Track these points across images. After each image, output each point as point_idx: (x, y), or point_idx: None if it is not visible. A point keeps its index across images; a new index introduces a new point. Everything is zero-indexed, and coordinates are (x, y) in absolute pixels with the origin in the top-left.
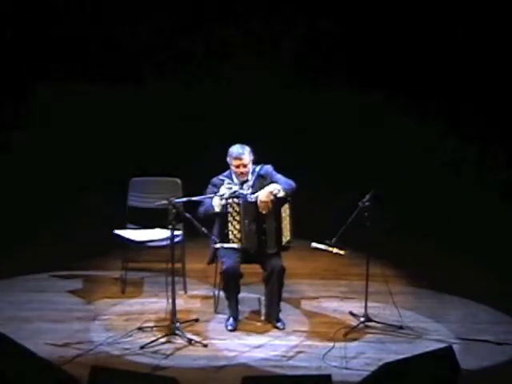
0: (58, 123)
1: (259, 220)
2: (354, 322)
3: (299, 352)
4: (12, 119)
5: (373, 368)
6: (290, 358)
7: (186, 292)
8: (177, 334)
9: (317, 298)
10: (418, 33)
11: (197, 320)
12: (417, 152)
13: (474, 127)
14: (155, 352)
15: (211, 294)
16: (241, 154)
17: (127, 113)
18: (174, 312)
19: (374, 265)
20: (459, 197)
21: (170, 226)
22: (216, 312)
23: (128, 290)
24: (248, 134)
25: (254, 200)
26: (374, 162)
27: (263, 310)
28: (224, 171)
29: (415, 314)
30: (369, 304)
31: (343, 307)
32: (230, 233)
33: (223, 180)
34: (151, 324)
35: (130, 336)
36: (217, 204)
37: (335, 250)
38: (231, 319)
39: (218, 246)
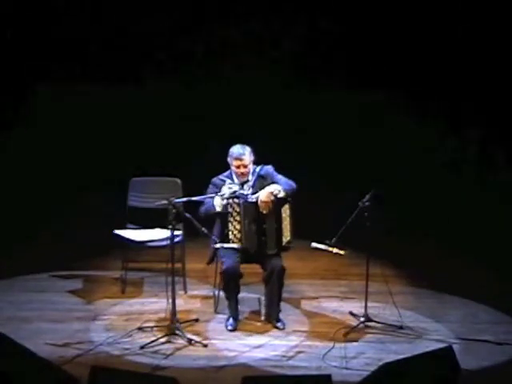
0: (58, 123)
1: (259, 220)
2: (354, 321)
3: (299, 352)
4: (12, 119)
5: (373, 368)
6: (290, 358)
7: (186, 292)
8: (177, 334)
9: (317, 298)
10: (417, 33)
11: (197, 320)
12: (417, 152)
13: (474, 127)
14: (155, 352)
15: (211, 294)
16: (241, 154)
17: (127, 113)
18: (174, 312)
19: (374, 265)
20: (459, 197)
21: (170, 226)
22: (216, 312)
23: (128, 290)
24: (248, 134)
25: (254, 200)
26: (374, 162)
27: (263, 310)
28: (224, 171)
29: (415, 314)
30: (369, 304)
31: (343, 307)
32: (230, 233)
33: (224, 180)
34: (151, 324)
35: (130, 336)
36: (218, 204)
37: (335, 250)
38: (231, 319)
39: (218, 245)
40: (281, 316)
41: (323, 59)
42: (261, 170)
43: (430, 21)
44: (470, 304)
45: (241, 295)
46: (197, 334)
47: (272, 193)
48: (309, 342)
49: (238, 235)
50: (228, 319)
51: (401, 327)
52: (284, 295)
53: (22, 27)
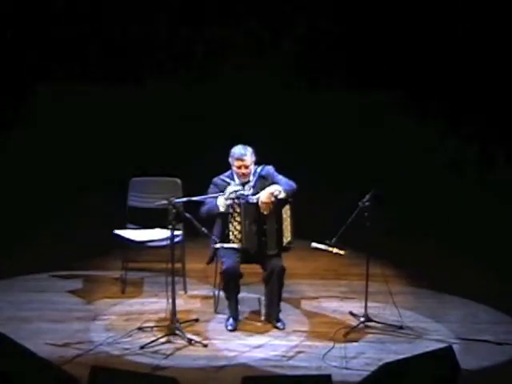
0: (58, 123)
1: (260, 221)
2: (354, 321)
3: (299, 352)
4: (12, 119)
5: (373, 368)
6: (290, 358)
7: (186, 292)
8: (177, 334)
9: (317, 298)
10: (417, 33)
11: (197, 320)
12: (417, 152)
13: (474, 127)
14: (155, 352)
15: (211, 294)
16: (243, 155)
17: (127, 113)
18: (174, 312)
19: (374, 265)
20: (459, 197)
21: (170, 226)
22: (216, 312)
23: (128, 290)
24: (248, 134)
25: (255, 201)
26: (374, 162)
27: (263, 310)
28: (225, 171)
29: (415, 314)
30: (369, 304)
31: (343, 307)
32: (230, 233)
33: (225, 180)
34: (151, 324)
35: (130, 336)
36: (222, 204)
37: (335, 250)
38: (231, 319)
39: (218, 245)
40: (281, 316)
41: (323, 59)
42: (262, 170)
43: (429, 21)
44: (470, 304)
45: (241, 295)
46: (197, 333)
47: (272, 193)
48: (309, 342)
49: (239, 236)
50: (228, 319)
51: (401, 327)
52: (284, 295)
53: (21, 27)
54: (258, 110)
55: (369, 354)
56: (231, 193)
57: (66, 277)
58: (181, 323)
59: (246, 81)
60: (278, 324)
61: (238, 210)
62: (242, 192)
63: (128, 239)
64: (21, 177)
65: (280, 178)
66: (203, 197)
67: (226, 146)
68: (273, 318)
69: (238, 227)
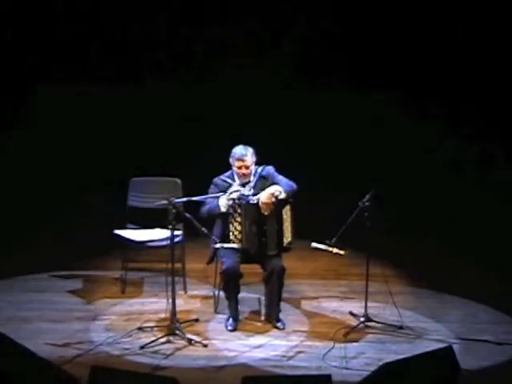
0: (58, 123)
1: (260, 222)
2: (354, 322)
3: (299, 352)
4: (12, 119)
5: (373, 368)
6: (290, 358)
7: (186, 292)
8: (177, 334)
9: (317, 298)
10: (417, 33)
11: (197, 320)
12: (417, 152)
13: (474, 127)
14: (155, 352)
15: (211, 294)
16: (243, 155)
17: (127, 113)
18: (173, 312)
19: (374, 265)
20: (459, 197)
21: (170, 226)
22: (216, 312)
23: (128, 290)
24: (248, 134)
25: (255, 202)
26: (374, 162)
27: (263, 310)
28: (225, 171)
29: (415, 314)
30: (369, 304)
31: (343, 307)
32: (230, 233)
33: (225, 180)
34: (151, 324)
35: (130, 336)
36: (223, 204)
37: (335, 250)
38: (231, 319)
39: (218, 245)
40: (281, 316)
41: (323, 59)
42: (262, 170)
43: (429, 21)
44: (470, 304)
45: (241, 295)
46: (197, 334)
47: (273, 194)
48: (309, 342)
49: (239, 236)
50: (228, 319)
51: (401, 327)
52: (284, 295)
53: (22, 27)
54: (258, 110)
55: (369, 354)
56: (231, 193)
57: (66, 277)
58: (181, 323)
59: (246, 81)
60: (278, 324)
61: (239, 211)
62: (243, 192)
63: (128, 239)
64: (21, 177)
65: (280, 178)
66: (203, 197)
67: (226, 146)
68: (273, 318)
69: (239, 227)
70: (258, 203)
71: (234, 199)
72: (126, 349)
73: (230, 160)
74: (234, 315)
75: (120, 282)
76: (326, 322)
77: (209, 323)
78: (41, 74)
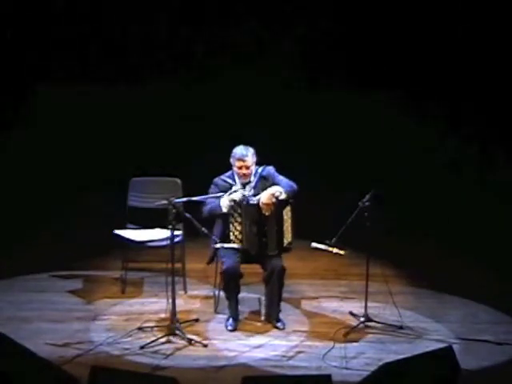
0: (58, 123)
1: (260, 222)
2: (354, 322)
3: (299, 352)
4: (12, 119)
5: (373, 368)
6: (290, 358)
7: (186, 292)
8: (177, 334)
9: (317, 298)
10: (417, 33)
11: (197, 320)
12: (417, 152)
13: (474, 127)
14: (155, 352)
15: (211, 294)
16: (244, 155)
17: (127, 113)
18: (173, 312)
19: (374, 265)
20: (459, 197)
21: (170, 226)
22: (216, 312)
23: (128, 290)
24: (248, 134)
25: (255, 202)
26: (374, 162)
27: (263, 310)
28: (225, 171)
29: (415, 314)
30: (369, 304)
31: (343, 307)
32: (231, 234)
33: (225, 181)
34: (151, 324)
35: (130, 336)
36: (225, 205)
37: (335, 250)
38: (231, 319)
39: (218, 245)
40: (281, 316)
41: (323, 59)
42: (263, 170)
43: (429, 21)
44: (470, 304)
45: (241, 295)
46: (197, 334)
47: (273, 195)
48: (309, 342)
49: (239, 236)
50: (228, 319)
51: (401, 327)
52: (284, 295)
53: (22, 27)
54: (258, 110)
55: (369, 354)
56: (231, 193)
57: (66, 277)
58: (181, 323)
59: (245, 81)
60: (278, 324)
61: (239, 211)
62: (244, 194)
63: (128, 239)
64: (21, 177)
65: (281, 178)
66: (203, 197)
67: (226, 146)
68: (273, 318)
69: (239, 228)
70: (258, 204)
71: (234, 200)
72: (126, 349)
73: (231, 160)
74: (234, 315)
75: (120, 281)
76: (326, 321)
77: (209, 323)
78: (41, 73)
